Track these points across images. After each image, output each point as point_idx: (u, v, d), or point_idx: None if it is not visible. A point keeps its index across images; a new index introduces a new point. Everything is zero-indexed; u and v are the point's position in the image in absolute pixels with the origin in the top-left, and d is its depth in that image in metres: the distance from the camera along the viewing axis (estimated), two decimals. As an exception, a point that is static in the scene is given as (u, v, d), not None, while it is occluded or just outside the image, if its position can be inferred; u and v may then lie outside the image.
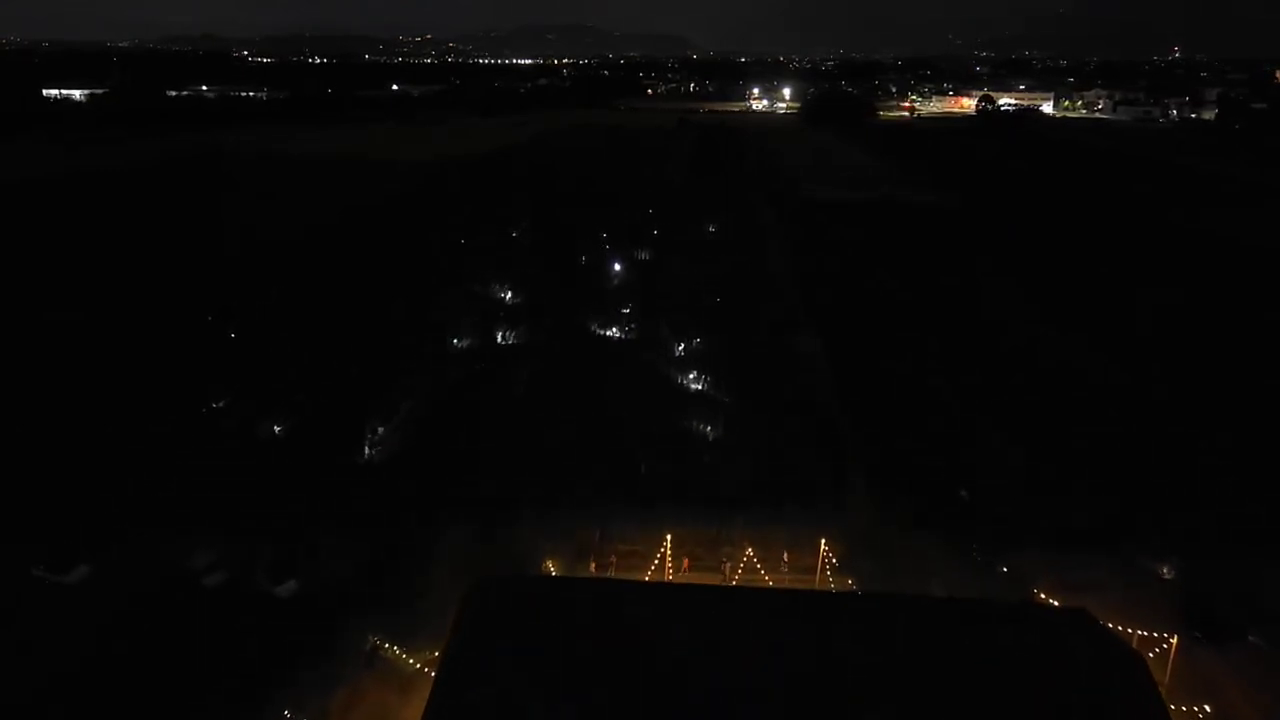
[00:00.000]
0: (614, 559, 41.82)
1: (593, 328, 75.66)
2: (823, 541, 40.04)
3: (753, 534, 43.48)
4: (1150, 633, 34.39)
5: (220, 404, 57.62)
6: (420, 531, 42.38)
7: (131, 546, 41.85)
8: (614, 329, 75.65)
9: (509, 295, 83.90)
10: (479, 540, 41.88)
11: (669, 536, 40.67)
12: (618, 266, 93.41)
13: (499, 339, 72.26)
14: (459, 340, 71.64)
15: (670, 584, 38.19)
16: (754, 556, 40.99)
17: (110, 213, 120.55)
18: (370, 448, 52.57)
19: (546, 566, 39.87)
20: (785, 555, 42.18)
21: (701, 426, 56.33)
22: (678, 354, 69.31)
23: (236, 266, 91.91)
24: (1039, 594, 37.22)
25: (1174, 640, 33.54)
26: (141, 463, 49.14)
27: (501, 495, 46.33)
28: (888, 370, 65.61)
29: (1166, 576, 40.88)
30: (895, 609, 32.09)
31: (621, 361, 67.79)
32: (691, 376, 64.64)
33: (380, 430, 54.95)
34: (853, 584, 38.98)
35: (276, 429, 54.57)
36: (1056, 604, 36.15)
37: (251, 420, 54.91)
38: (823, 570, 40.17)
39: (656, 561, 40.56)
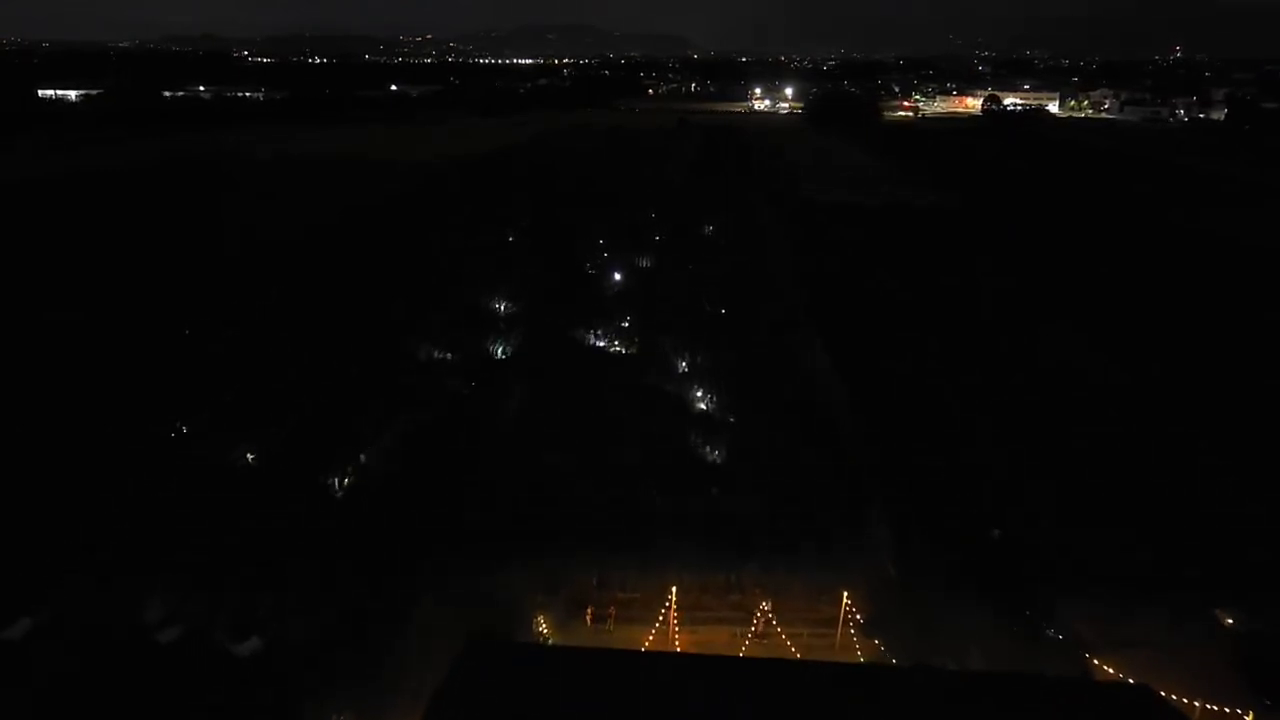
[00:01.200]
0: (613, 610, 37.84)
1: (591, 339, 71.85)
2: (845, 595, 36.05)
3: (766, 580, 39.61)
4: (1221, 708, 30.41)
5: (186, 427, 53.52)
6: (400, 579, 38.27)
7: (80, 594, 37.84)
8: (612, 338, 71.85)
9: (504, 304, 79.94)
10: (463, 587, 37.84)
11: (674, 589, 36.74)
12: (618, 276, 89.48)
13: (493, 349, 68.47)
14: (450, 353, 67.82)
15: (677, 655, 34.14)
16: (768, 609, 37.00)
17: (97, 215, 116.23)
18: (350, 478, 48.50)
19: (537, 622, 35.89)
20: (803, 606, 38.38)
21: (707, 452, 52.49)
22: (681, 369, 65.43)
23: (224, 270, 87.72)
24: (1091, 659, 33.20)
25: (1249, 718, 29.56)
26: (96, 493, 44.99)
27: (490, 535, 42.25)
28: (900, 385, 61.90)
29: (1227, 624, 37.10)
30: (934, 685, 28.11)
31: (622, 379, 63.75)
32: (696, 394, 60.82)
33: (362, 457, 51.01)
34: (879, 644, 34.99)
35: (250, 455, 50.57)
36: (1112, 671, 32.13)
37: (220, 443, 50.79)
38: (844, 623, 36.24)
39: (662, 615, 36.62)
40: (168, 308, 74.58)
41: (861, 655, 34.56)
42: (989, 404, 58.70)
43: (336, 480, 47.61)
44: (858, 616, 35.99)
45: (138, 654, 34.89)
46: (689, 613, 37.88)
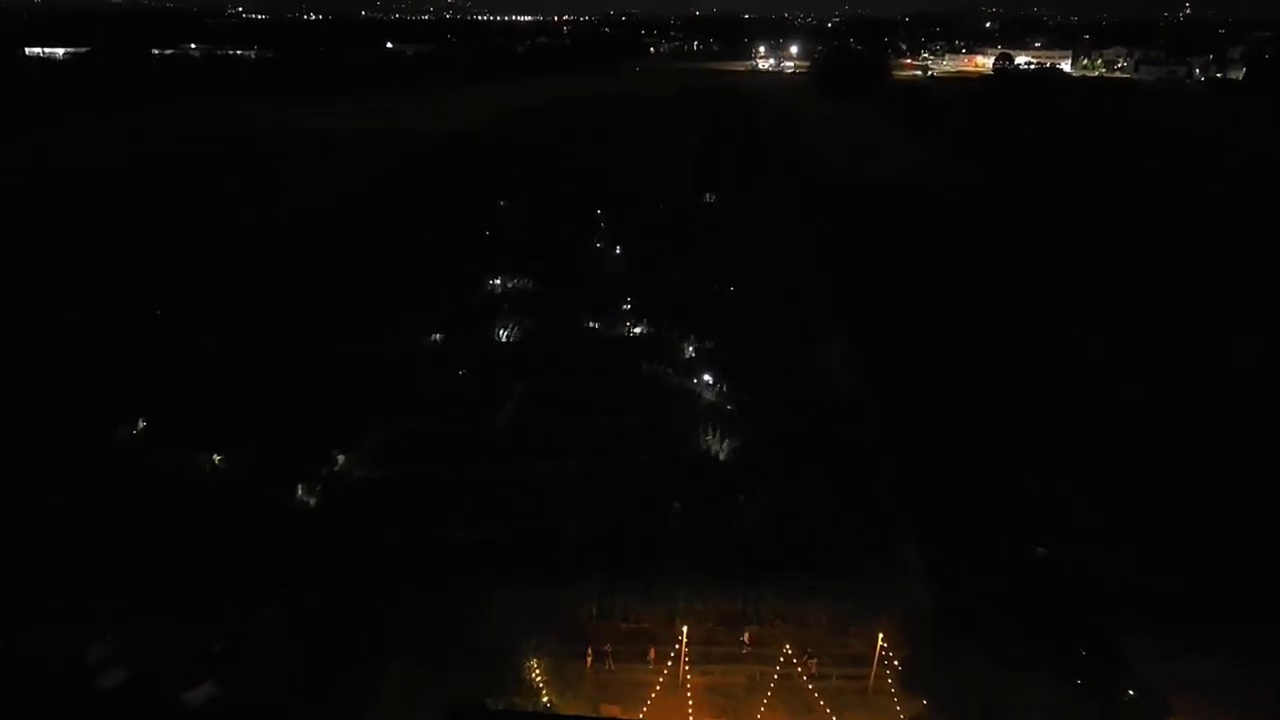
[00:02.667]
0: (609, 648, 33.35)
1: (592, 322, 67.16)
2: (880, 637, 31.62)
3: (785, 609, 35.30)
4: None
5: (143, 425, 48.83)
6: (374, 615, 33.89)
7: (15, 630, 33.58)
8: (615, 320, 67.14)
9: (502, 285, 75.01)
10: (447, 622, 33.49)
11: (685, 628, 32.38)
12: (620, 252, 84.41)
13: (494, 333, 63.89)
14: (441, 335, 63.27)
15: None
16: (791, 650, 32.64)
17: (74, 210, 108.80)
18: (325, 488, 43.88)
19: (530, 666, 31.55)
20: (829, 640, 34.09)
21: (715, 454, 48.09)
22: (688, 354, 60.88)
23: (201, 261, 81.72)
24: (1172, 720, 28.91)
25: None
26: (39, 510, 40.54)
27: (479, 557, 37.90)
28: (923, 382, 56.99)
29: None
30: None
31: (625, 365, 59.16)
32: (705, 383, 56.31)
33: (340, 460, 46.49)
34: (922, 699, 30.61)
35: (216, 458, 45.98)
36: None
37: (181, 449, 46.15)
38: (879, 664, 31.86)
39: (671, 657, 32.28)
40: (139, 300, 69.05)
41: (902, 713, 30.15)
42: (1017, 402, 54.27)
43: (308, 492, 42.89)
44: (894, 661, 31.56)
45: (75, 703, 30.74)
46: (700, 648, 33.58)
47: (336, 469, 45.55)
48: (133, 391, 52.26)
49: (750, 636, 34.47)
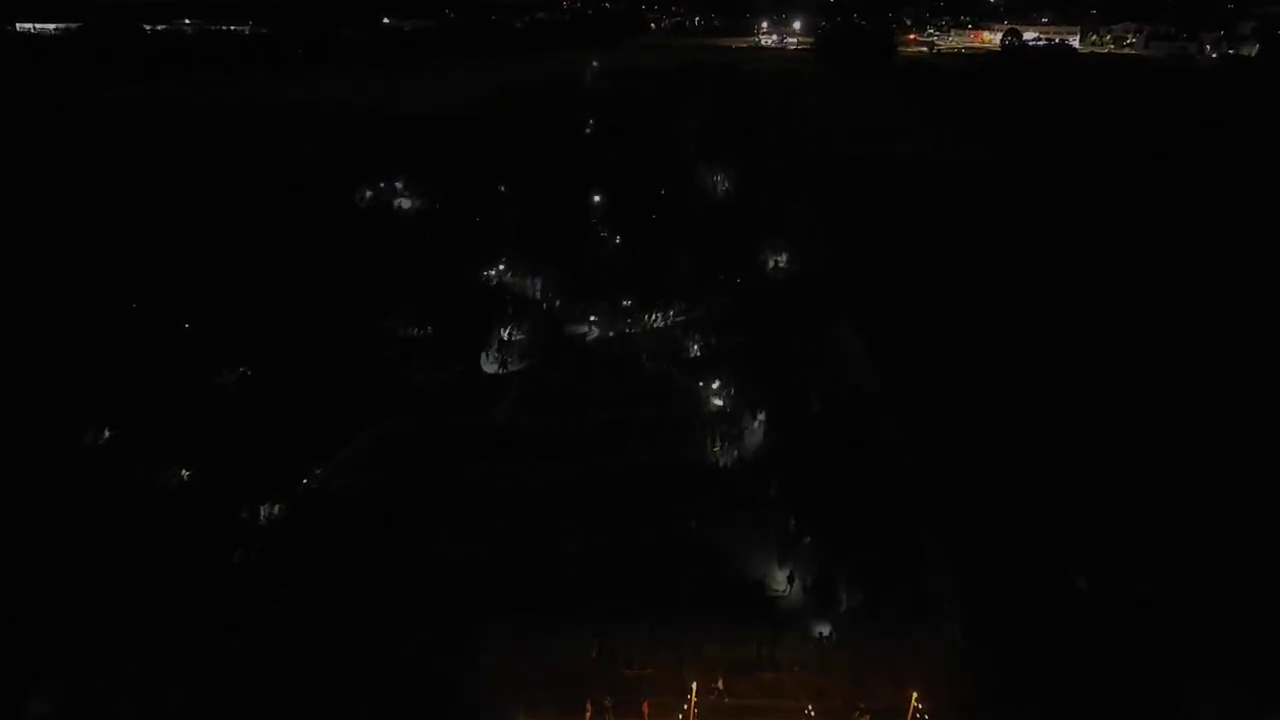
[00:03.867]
0: (609, 701, 29.90)
1: (593, 315, 63.50)
2: (914, 696, 28.22)
3: (805, 655, 31.90)
4: None
5: (107, 435, 45.28)
6: (349, 661, 30.49)
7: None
8: (617, 316, 63.53)
9: (497, 275, 71.28)
10: (423, 670, 30.14)
11: (695, 684, 28.96)
12: (622, 241, 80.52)
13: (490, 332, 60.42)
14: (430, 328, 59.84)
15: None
16: (813, 713, 29.25)
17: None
18: (296, 506, 40.34)
19: (520, 726, 28.24)
20: (854, 689, 30.70)
21: (723, 465, 44.74)
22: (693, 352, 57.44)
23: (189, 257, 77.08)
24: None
25: None
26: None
27: (461, 589, 34.53)
28: (938, 384, 53.25)
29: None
30: None
31: (628, 366, 55.69)
32: (711, 386, 52.74)
33: (318, 472, 42.99)
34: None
35: (185, 473, 42.48)
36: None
37: (144, 462, 42.53)
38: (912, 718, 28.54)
39: (682, 713, 28.94)
40: (124, 294, 64.54)
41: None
42: (1021, 400, 50.81)
43: (276, 510, 39.29)
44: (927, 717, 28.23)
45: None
46: (711, 701, 30.21)
47: (315, 486, 42.02)
48: (108, 396, 48.58)
49: (767, 686, 31.15)
